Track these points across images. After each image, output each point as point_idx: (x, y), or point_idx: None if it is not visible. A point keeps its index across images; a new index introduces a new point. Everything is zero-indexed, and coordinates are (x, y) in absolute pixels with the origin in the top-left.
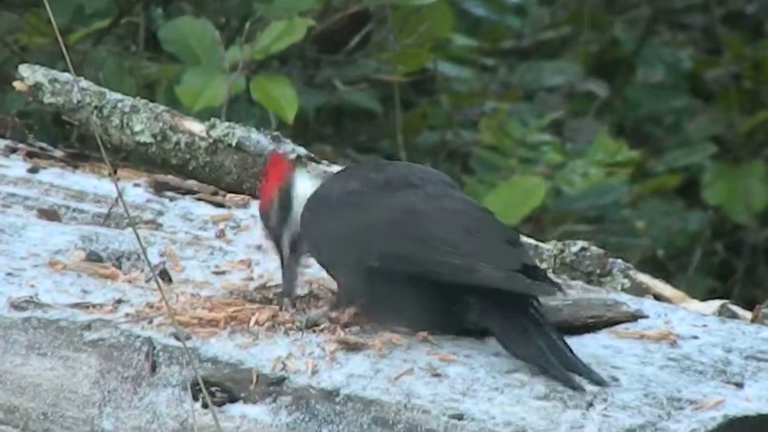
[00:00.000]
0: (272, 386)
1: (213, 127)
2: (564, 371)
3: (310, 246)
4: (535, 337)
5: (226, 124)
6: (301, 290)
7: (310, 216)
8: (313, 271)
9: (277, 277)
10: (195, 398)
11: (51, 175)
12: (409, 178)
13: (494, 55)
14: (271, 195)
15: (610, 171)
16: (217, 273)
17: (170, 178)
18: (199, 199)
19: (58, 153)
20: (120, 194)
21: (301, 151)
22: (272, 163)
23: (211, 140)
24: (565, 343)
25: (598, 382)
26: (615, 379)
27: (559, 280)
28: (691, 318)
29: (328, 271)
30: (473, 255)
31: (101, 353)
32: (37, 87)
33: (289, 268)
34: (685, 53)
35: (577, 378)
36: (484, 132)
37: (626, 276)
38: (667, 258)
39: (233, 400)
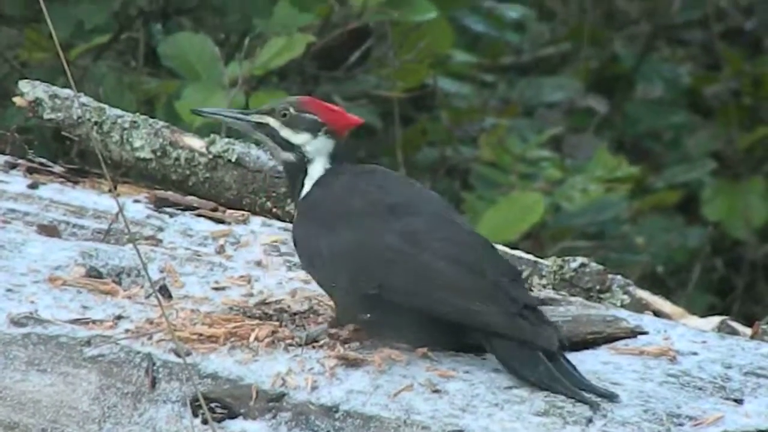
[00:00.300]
0: (272, 402)
1: (213, 143)
2: (575, 389)
3: (303, 258)
4: (541, 358)
5: (226, 140)
6: (297, 306)
7: (306, 227)
8: (312, 288)
9: (277, 293)
10: (195, 414)
11: (51, 190)
12: (411, 204)
13: (494, 71)
14: (322, 109)
15: (610, 187)
16: (216, 289)
17: (170, 194)
18: (199, 215)
19: (58, 169)
20: (121, 210)
21: None
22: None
23: (210, 156)
24: (570, 362)
25: (608, 396)
26: (615, 396)
27: (558, 297)
28: (690, 334)
29: (321, 286)
30: (473, 293)
31: (101, 369)
32: (37, 102)
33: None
34: (684, 69)
35: (587, 395)
36: (484, 148)
37: (626, 292)
38: (666, 274)
39: (233, 416)
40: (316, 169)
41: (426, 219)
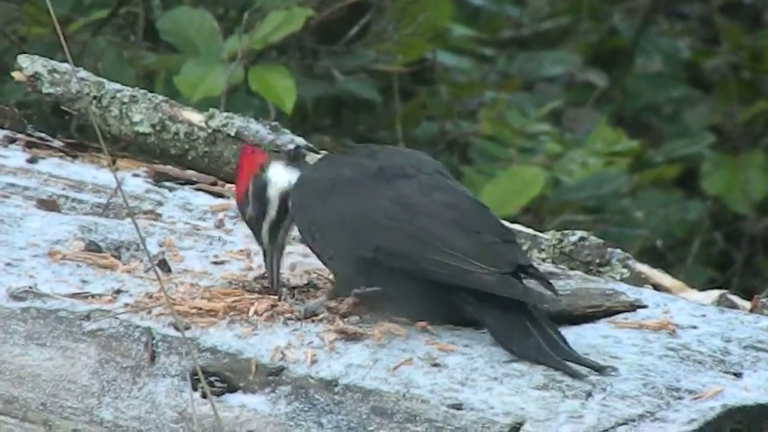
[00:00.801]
0: (271, 376)
1: (212, 117)
2: (562, 362)
3: (302, 231)
4: (531, 331)
5: (225, 114)
6: (296, 280)
7: (302, 200)
8: (311, 261)
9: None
10: (194, 388)
11: (50, 165)
12: (403, 168)
13: (493, 44)
14: (245, 187)
15: (609, 161)
16: (216, 263)
17: (169, 169)
18: (198, 189)
19: (57, 143)
20: (119, 184)
21: (300, 141)
22: (244, 156)
23: (210, 130)
24: (560, 334)
25: (597, 369)
26: (614, 369)
27: (557, 270)
28: (690, 308)
29: (320, 258)
30: (467, 254)
31: (100, 343)
32: (36, 77)
33: (271, 259)
34: (683, 43)
35: (576, 366)
36: (483, 122)
37: (625, 266)
38: (666, 248)
39: (232, 389)
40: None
41: (419, 181)
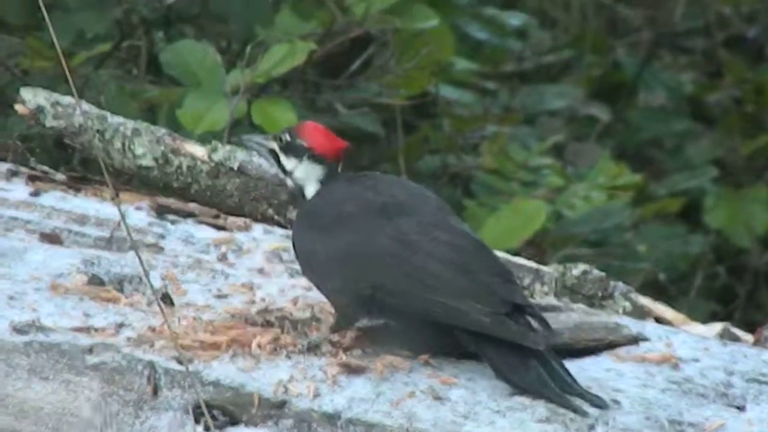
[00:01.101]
0: (274, 410)
1: (215, 150)
2: (564, 396)
3: (301, 262)
4: (532, 363)
5: (228, 147)
6: (299, 313)
7: (303, 232)
8: (313, 295)
9: (279, 300)
10: (197, 422)
11: (53, 198)
12: (404, 205)
13: (495, 78)
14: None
15: (612, 194)
16: (218, 296)
17: (172, 202)
18: (201, 223)
19: (60, 176)
20: (123, 217)
21: None
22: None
23: (212, 164)
24: (563, 367)
25: (599, 405)
26: (616, 402)
27: (559, 304)
28: (692, 341)
29: (319, 290)
30: (463, 294)
31: (103, 377)
32: (38, 110)
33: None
34: (686, 77)
35: (578, 401)
36: (486, 155)
37: (628, 299)
38: (668, 281)
39: (235, 423)
40: (309, 192)
41: (419, 219)
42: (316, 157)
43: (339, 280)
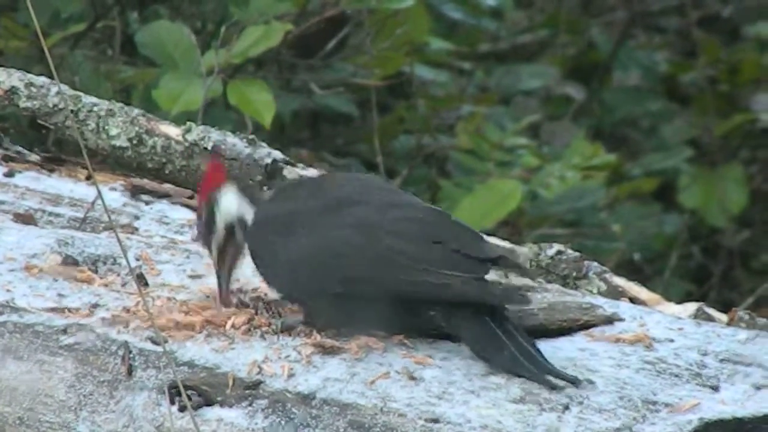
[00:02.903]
0: (248, 390)
1: (189, 131)
2: (539, 374)
3: (263, 277)
4: (506, 342)
5: (202, 127)
6: (273, 294)
7: (256, 244)
8: None
9: (253, 281)
10: (172, 402)
11: (27, 179)
12: (352, 195)
13: (471, 58)
14: (199, 209)
15: (587, 174)
16: (193, 277)
17: (146, 182)
18: (175, 203)
19: (34, 157)
20: (100, 196)
21: (277, 155)
22: (207, 172)
23: (187, 144)
24: (535, 347)
25: (572, 381)
26: (591, 382)
27: (534, 284)
28: (666, 321)
29: (284, 297)
30: (440, 266)
31: (77, 357)
32: (13, 91)
33: (219, 280)
34: (661, 56)
35: (552, 379)
36: (461, 136)
37: (602, 279)
38: (643, 261)
39: (209, 403)
40: (249, 216)
41: (376, 204)
42: (222, 196)
43: (305, 284)
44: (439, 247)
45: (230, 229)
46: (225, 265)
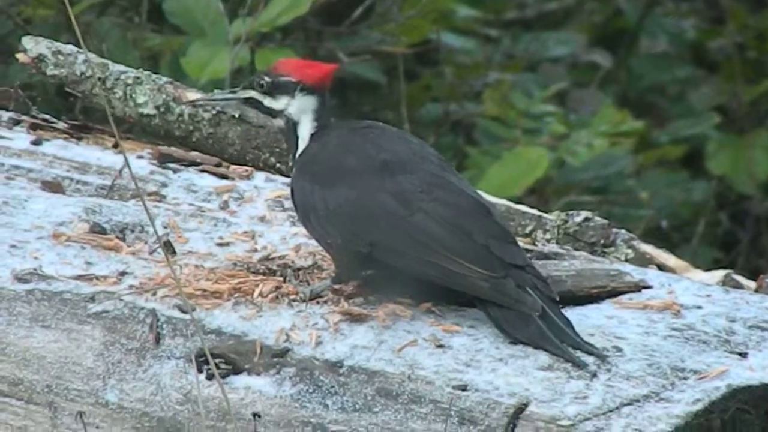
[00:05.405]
0: (276, 358)
1: None
2: (563, 348)
3: (299, 212)
4: (532, 316)
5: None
6: (300, 261)
7: (302, 184)
8: (315, 243)
9: (281, 248)
10: (199, 370)
11: (54, 147)
12: (406, 163)
13: (498, 25)
14: (283, 68)
15: (614, 141)
16: (220, 245)
17: (174, 150)
18: (203, 171)
19: (62, 125)
20: (127, 164)
21: None
22: (323, 66)
23: (214, 112)
24: (564, 318)
25: (598, 356)
26: (619, 349)
27: (562, 251)
28: (694, 288)
29: (318, 242)
30: (461, 256)
31: (105, 325)
32: (40, 59)
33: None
34: (688, 23)
35: (578, 353)
36: (488, 103)
37: (630, 246)
38: (670, 228)
39: (237, 371)
40: (305, 128)
41: (420, 177)
42: (307, 89)
43: (337, 235)
44: (467, 239)
45: (278, 114)
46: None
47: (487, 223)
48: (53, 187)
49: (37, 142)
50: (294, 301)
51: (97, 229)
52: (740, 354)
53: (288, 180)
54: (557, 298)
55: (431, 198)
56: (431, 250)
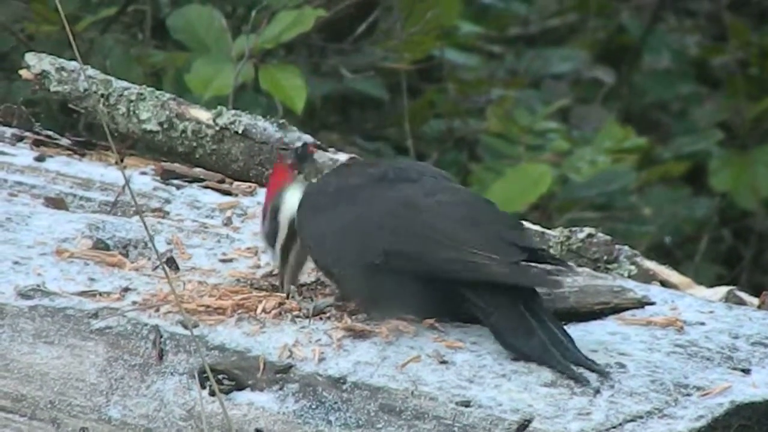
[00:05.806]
0: (279, 374)
1: (219, 115)
2: (566, 364)
3: (306, 242)
4: (535, 330)
5: (233, 111)
6: (304, 277)
7: (305, 211)
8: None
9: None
10: (202, 386)
11: (58, 163)
12: (406, 172)
13: (501, 42)
14: (264, 206)
15: (617, 158)
16: (224, 261)
17: (177, 166)
18: (206, 187)
19: (65, 141)
20: (128, 181)
21: (308, 139)
22: (274, 171)
23: (217, 128)
24: (566, 333)
25: (600, 372)
26: (622, 366)
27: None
28: (698, 304)
29: (325, 273)
30: (477, 246)
31: (108, 341)
32: (43, 75)
33: (282, 278)
34: (691, 40)
35: (580, 370)
36: (491, 119)
37: (633, 263)
38: (674, 245)
39: (240, 387)
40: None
41: (422, 184)
42: (287, 195)
43: (346, 254)
44: (478, 229)
45: (293, 224)
46: (288, 265)
47: (494, 212)
48: (56, 203)
49: (40, 159)
50: (297, 317)
51: (101, 246)
52: (743, 370)
53: None
54: (574, 270)
55: (435, 200)
56: (445, 245)
